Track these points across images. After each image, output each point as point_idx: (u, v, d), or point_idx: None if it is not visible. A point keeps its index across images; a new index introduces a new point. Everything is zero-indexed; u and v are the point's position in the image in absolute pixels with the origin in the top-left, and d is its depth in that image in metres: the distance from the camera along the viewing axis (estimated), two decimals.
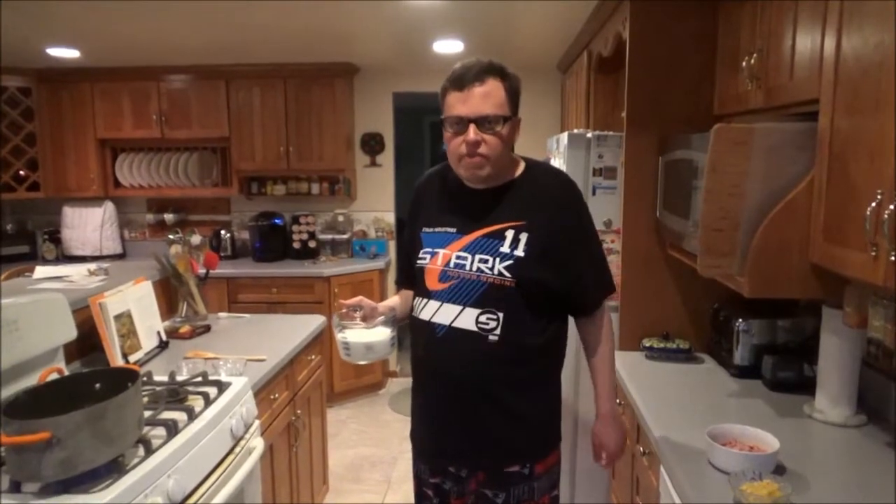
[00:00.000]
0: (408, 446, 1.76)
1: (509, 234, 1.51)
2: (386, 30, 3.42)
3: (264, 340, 2.55)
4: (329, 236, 4.72)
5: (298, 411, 2.55)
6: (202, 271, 2.89)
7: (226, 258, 4.55)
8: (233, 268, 4.31)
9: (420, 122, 7.53)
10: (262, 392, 2.18)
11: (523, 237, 1.50)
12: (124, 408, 1.45)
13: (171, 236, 4.66)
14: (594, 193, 2.49)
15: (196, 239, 3.03)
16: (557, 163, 2.71)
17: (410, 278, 1.69)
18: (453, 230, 1.57)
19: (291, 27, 3.32)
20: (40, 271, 2.68)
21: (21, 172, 4.48)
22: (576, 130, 2.53)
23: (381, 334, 1.64)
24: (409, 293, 1.71)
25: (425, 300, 1.57)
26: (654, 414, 1.83)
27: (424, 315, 1.57)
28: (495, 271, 1.49)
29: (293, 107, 4.40)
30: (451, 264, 1.53)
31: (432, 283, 1.56)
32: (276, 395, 2.33)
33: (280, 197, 4.67)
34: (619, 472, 2.35)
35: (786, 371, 2.00)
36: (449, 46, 3.70)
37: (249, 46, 3.82)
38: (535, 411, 1.58)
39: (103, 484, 1.36)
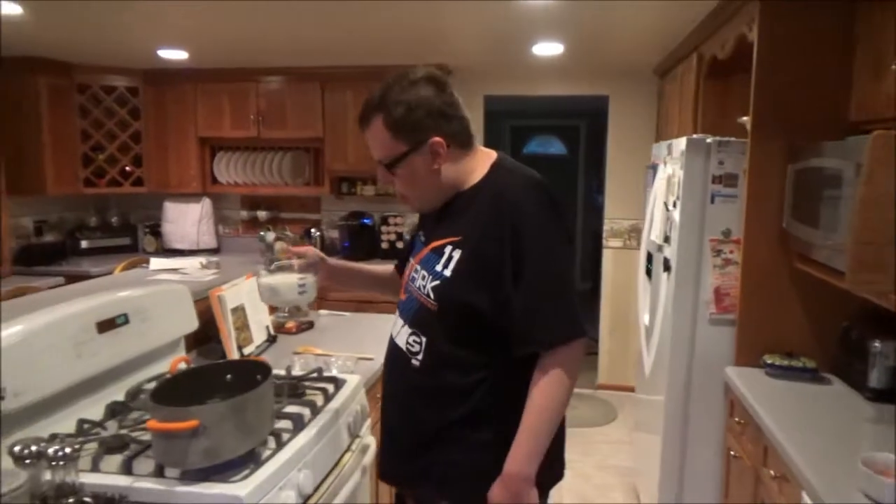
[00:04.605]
0: None
1: (447, 250, 1.37)
2: (485, 31, 3.40)
3: (367, 338, 2.56)
4: None
5: None
6: None
7: None
8: None
9: (500, 125, 7.50)
10: (372, 390, 2.19)
11: (456, 255, 1.35)
12: (262, 400, 1.47)
13: (261, 233, 4.80)
14: (713, 201, 2.39)
15: (289, 235, 3.08)
16: (669, 169, 2.62)
17: (403, 262, 1.65)
18: (423, 240, 1.49)
19: (388, 29, 3.35)
20: (155, 263, 2.79)
21: (127, 168, 4.69)
22: (695, 136, 2.43)
23: (289, 279, 1.65)
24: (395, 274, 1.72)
25: (397, 308, 1.53)
26: (790, 436, 1.72)
27: (392, 324, 1.53)
28: (425, 291, 1.38)
29: None
30: (410, 277, 1.47)
31: (401, 292, 1.52)
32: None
33: (369, 197, 4.72)
34: (734, 494, 2.24)
35: None
36: (549, 49, 3.65)
37: (344, 49, 3.88)
38: (457, 457, 1.38)
39: (241, 474, 1.37)
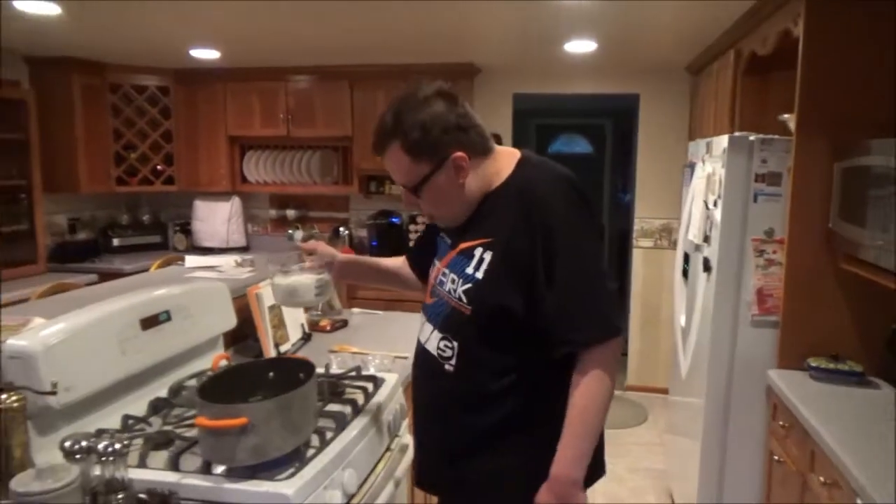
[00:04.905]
0: None
1: (477, 252, 1.34)
2: (517, 29, 3.37)
3: (401, 337, 2.55)
4: None
5: None
6: None
7: None
8: None
9: (526, 124, 7.45)
10: (409, 389, 2.17)
11: (487, 256, 1.32)
12: (307, 398, 1.46)
13: (289, 231, 4.82)
14: (755, 200, 2.34)
15: (317, 233, 3.09)
16: (709, 167, 2.58)
17: (418, 255, 1.68)
18: (449, 242, 1.46)
19: (417, 28, 3.33)
20: (191, 261, 2.81)
21: (158, 167, 4.74)
22: (737, 133, 2.39)
23: (306, 279, 1.61)
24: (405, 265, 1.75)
25: (422, 312, 1.50)
26: (841, 442, 1.68)
27: (419, 328, 1.50)
28: (456, 294, 1.35)
29: None
30: (438, 280, 1.44)
31: (427, 296, 1.49)
32: None
33: (398, 196, 4.71)
34: (777, 498, 2.19)
35: None
36: (582, 46, 3.61)
37: (374, 47, 3.87)
38: (495, 462, 1.36)
39: (286, 472, 1.36)
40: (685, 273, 2.89)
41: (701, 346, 2.56)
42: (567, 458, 1.28)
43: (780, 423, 2.13)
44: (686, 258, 2.89)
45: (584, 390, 1.27)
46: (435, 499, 1.59)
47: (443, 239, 1.50)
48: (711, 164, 2.54)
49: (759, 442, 2.37)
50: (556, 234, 1.26)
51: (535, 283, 1.27)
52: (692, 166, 2.92)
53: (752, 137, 2.35)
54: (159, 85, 4.67)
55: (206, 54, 4.07)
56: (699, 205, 2.62)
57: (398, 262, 1.78)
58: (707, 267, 2.48)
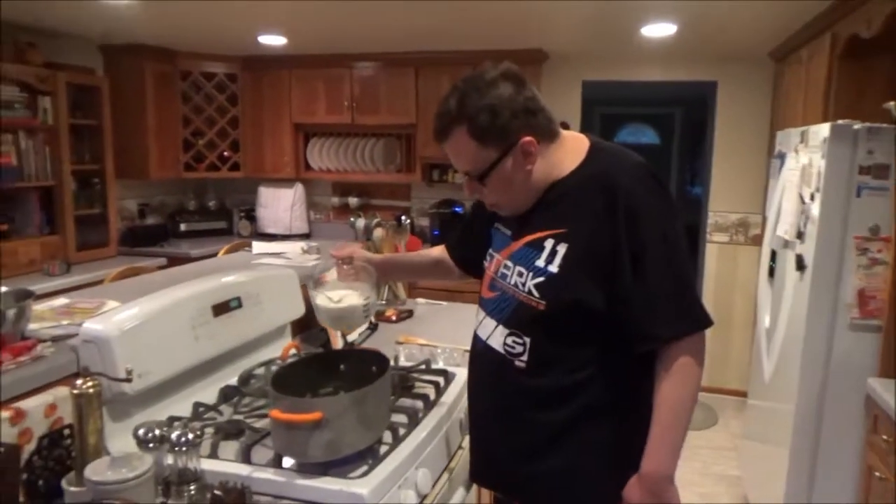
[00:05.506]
0: None
1: (548, 244, 1.27)
2: (592, 12, 3.22)
3: (466, 330, 2.46)
4: None
5: None
6: None
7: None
8: None
9: (591, 112, 7.26)
10: None
11: (561, 249, 1.25)
12: (382, 394, 1.40)
13: (352, 219, 4.81)
14: (859, 194, 2.15)
15: (381, 221, 3.04)
16: (804, 158, 2.39)
17: (460, 245, 1.65)
18: (509, 233, 1.38)
19: (487, 14, 3.22)
20: (258, 247, 2.80)
21: (225, 153, 4.79)
22: (840, 122, 2.20)
23: (352, 301, 1.51)
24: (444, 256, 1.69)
25: (479, 307, 1.43)
26: None
27: (476, 323, 1.43)
28: (525, 288, 1.28)
29: None
30: (499, 273, 1.36)
31: (484, 289, 1.41)
32: None
33: (461, 185, 4.60)
34: None
35: None
36: (660, 30, 3.43)
37: (439, 34, 3.79)
38: (570, 459, 1.31)
39: (359, 470, 1.31)
40: (771, 271, 2.71)
41: (789, 349, 2.39)
42: (658, 453, 1.23)
43: (883, 436, 1.96)
44: (773, 255, 2.70)
45: (675, 382, 1.21)
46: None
47: (498, 230, 1.43)
48: (807, 154, 2.36)
49: (855, 454, 2.20)
50: (644, 226, 1.20)
51: (618, 277, 1.22)
52: (782, 157, 2.73)
53: (856, 126, 2.16)
54: (227, 72, 4.71)
55: (273, 41, 4.07)
56: (792, 198, 2.44)
57: (437, 253, 1.73)
58: (801, 265, 2.30)
